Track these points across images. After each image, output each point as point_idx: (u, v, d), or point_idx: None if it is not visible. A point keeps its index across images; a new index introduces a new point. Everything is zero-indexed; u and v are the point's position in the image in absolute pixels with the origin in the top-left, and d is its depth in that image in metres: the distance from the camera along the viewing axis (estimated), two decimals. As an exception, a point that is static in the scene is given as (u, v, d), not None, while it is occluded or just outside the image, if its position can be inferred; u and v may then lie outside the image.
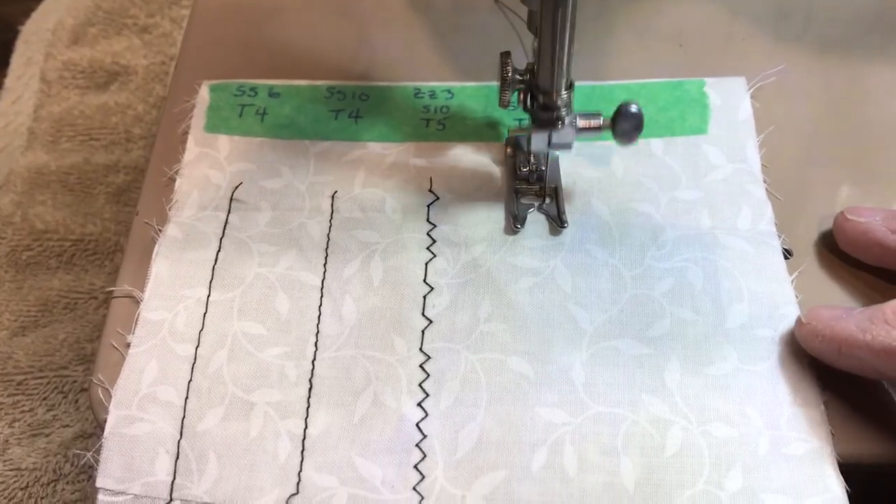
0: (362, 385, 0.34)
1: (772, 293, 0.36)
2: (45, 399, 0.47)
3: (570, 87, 0.36)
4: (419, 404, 0.34)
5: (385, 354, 0.35)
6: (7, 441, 0.45)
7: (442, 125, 0.42)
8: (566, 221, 0.38)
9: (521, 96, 0.37)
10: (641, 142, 0.41)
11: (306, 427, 0.33)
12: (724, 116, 0.42)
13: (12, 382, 0.47)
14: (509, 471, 0.32)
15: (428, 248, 0.38)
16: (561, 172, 0.40)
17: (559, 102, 0.36)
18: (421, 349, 0.35)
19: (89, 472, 0.44)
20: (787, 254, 0.38)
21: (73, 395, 0.47)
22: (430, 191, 0.40)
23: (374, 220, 0.39)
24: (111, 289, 0.37)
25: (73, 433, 0.46)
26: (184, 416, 0.34)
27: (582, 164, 0.41)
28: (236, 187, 0.40)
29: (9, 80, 0.63)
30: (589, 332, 0.36)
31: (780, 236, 0.38)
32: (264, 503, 0.31)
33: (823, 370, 0.34)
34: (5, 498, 0.44)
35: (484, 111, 0.43)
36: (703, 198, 0.39)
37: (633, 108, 0.35)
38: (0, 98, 0.62)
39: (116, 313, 0.37)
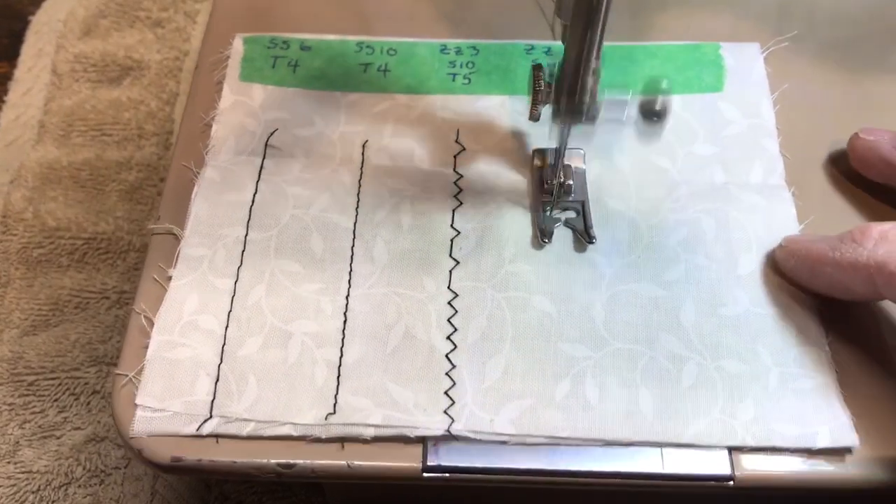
0: (394, 319, 0.36)
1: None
2: (56, 401, 0.46)
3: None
4: (448, 337, 0.36)
5: (415, 292, 0.37)
6: (18, 442, 0.45)
7: (468, 80, 0.44)
8: (594, 237, 0.38)
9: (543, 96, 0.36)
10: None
11: (342, 356, 0.35)
12: (739, 76, 0.44)
13: (23, 383, 0.46)
14: (534, 399, 0.34)
15: (455, 196, 0.40)
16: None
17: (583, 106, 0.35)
18: (449, 287, 0.37)
19: (101, 476, 0.44)
20: None
21: (84, 397, 0.46)
22: (457, 142, 0.42)
23: (403, 169, 0.41)
24: (152, 226, 0.39)
25: (85, 436, 0.45)
26: (224, 344, 0.35)
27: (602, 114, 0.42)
28: (272, 133, 0.42)
29: (19, 72, 0.61)
30: (608, 276, 0.37)
31: (790, 189, 0.40)
32: (302, 420, 0.33)
33: (827, 315, 0.36)
34: (16, 501, 0.43)
35: (508, 66, 0.44)
36: (717, 153, 0.41)
37: (658, 106, 0.35)
38: (10, 90, 0.60)
39: (157, 249, 0.38)
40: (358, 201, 0.40)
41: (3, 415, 0.45)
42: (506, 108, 0.43)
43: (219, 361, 0.35)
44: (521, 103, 0.43)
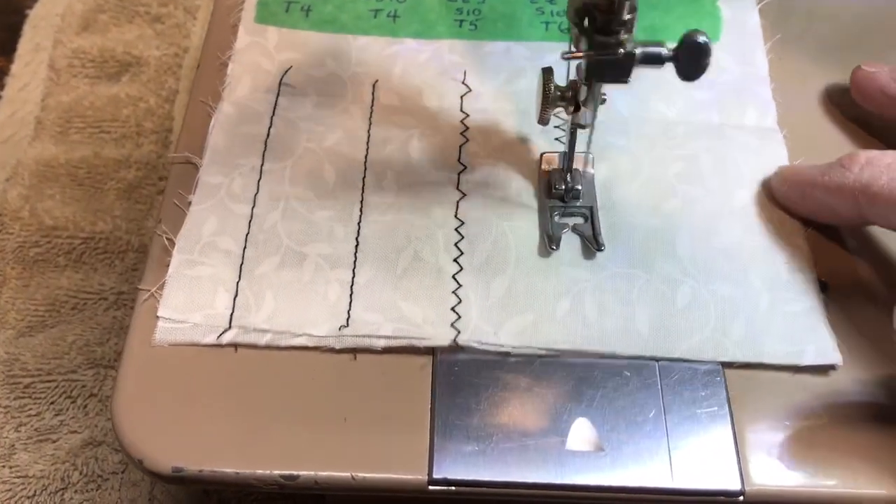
0: (403, 244, 0.38)
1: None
2: (52, 403, 0.45)
3: (633, 9, 0.32)
4: (455, 260, 0.37)
5: (424, 219, 0.39)
6: (13, 446, 0.44)
7: (474, 25, 0.46)
8: (602, 244, 0.38)
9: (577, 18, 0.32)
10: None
11: (354, 276, 0.37)
12: (735, 27, 0.45)
13: (19, 385, 0.45)
14: (536, 315, 0.36)
15: (462, 134, 0.42)
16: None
17: (620, 26, 0.32)
18: (456, 216, 0.39)
19: (98, 481, 0.43)
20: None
21: (81, 400, 0.45)
22: (464, 83, 0.44)
23: (412, 108, 0.43)
24: (172, 155, 0.41)
25: (82, 440, 0.44)
26: (242, 263, 0.37)
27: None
28: (285, 72, 0.43)
29: (16, 67, 0.59)
30: (607, 206, 0.39)
31: (782, 132, 0.42)
32: (317, 332, 0.35)
33: (816, 245, 0.38)
34: None
35: (513, 14, 0.46)
36: (713, 97, 0.43)
37: (701, 39, 0.32)
38: (6, 85, 0.58)
39: (176, 177, 0.40)
40: (369, 137, 0.42)
41: (-1, 417, 0.45)
42: (511, 53, 0.45)
43: (237, 279, 0.37)
44: (525, 49, 0.45)
